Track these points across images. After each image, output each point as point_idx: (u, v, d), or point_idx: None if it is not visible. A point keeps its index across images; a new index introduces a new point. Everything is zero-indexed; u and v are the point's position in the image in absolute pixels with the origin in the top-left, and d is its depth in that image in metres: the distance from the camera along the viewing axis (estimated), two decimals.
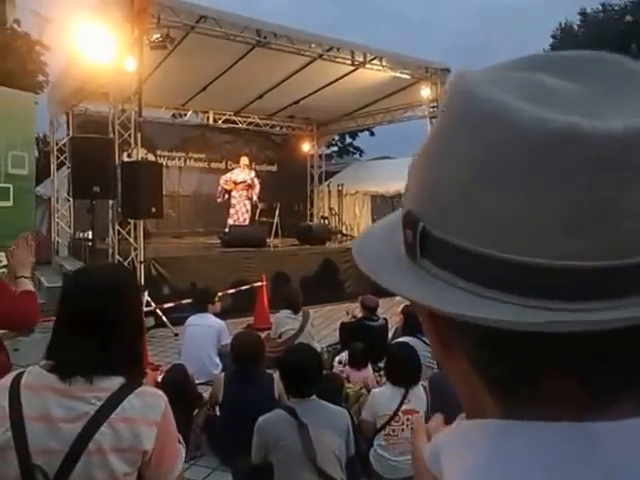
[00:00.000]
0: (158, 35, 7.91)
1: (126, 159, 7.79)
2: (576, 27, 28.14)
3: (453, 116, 0.40)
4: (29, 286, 2.56)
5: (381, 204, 15.63)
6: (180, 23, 8.16)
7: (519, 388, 0.40)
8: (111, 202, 7.85)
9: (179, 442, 1.46)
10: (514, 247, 0.35)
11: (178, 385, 3.90)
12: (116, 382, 1.34)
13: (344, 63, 10.29)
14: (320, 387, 3.29)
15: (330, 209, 14.44)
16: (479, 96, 0.38)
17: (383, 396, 3.52)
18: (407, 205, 0.43)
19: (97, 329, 1.35)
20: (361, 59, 10.28)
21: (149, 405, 1.35)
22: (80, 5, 8.61)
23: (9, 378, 1.36)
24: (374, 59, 10.40)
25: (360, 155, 31.48)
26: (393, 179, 14.07)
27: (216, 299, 5.81)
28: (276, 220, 10.66)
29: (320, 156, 16.32)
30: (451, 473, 0.42)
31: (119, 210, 7.63)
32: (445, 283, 0.38)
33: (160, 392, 1.43)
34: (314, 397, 3.07)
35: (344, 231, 13.53)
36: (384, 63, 10.53)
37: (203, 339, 5.33)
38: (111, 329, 1.36)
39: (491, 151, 0.36)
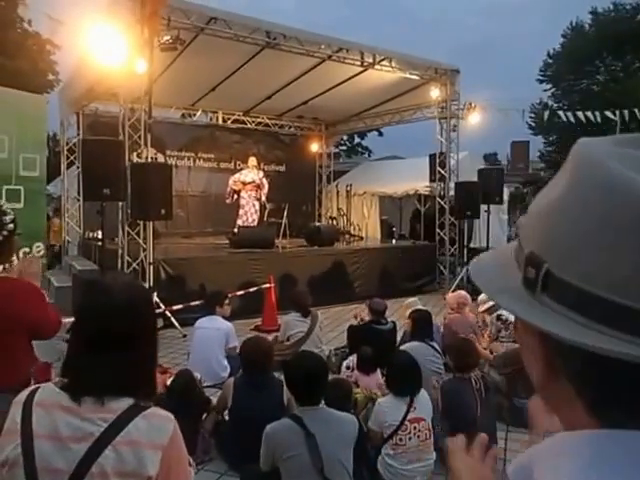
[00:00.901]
0: (168, 37, 7.93)
1: (136, 160, 7.82)
2: (587, 26, 27.89)
3: (582, 181, 0.48)
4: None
5: (389, 204, 15.59)
6: (190, 25, 8.18)
7: (616, 406, 0.46)
8: (121, 203, 7.88)
9: (189, 465, 1.43)
10: (631, 296, 0.43)
11: (186, 390, 3.92)
12: (125, 403, 1.32)
13: (353, 64, 10.27)
14: (329, 393, 3.28)
15: (338, 209, 14.39)
16: (605, 168, 0.46)
17: (388, 406, 3.51)
18: (529, 246, 0.50)
19: (112, 348, 1.33)
20: (370, 60, 10.26)
21: (156, 428, 1.32)
22: (91, 7, 8.65)
23: (24, 393, 1.36)
24: (383, 60, 10.38)
25: (369, 155, 31.48)
26: (401, 179, 14.01)
27: (226, 302, 5.80)
28: (284, 220, 10.62)
29: (329, 155, 16.32)
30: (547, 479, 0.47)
31: (128, 212, 7.66)
32: (564, 317, 0.46)
33: (170, 415, 1.39)
34: (322, 405, 3.07)
35: (352, 232, 13.48)
36: (393, 64, 10.51)
37: (211, 342, 5.34)
38: (126, 349, 1.35)
39: (614, 217, 0.44)
